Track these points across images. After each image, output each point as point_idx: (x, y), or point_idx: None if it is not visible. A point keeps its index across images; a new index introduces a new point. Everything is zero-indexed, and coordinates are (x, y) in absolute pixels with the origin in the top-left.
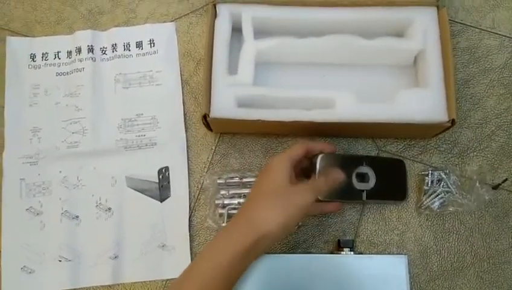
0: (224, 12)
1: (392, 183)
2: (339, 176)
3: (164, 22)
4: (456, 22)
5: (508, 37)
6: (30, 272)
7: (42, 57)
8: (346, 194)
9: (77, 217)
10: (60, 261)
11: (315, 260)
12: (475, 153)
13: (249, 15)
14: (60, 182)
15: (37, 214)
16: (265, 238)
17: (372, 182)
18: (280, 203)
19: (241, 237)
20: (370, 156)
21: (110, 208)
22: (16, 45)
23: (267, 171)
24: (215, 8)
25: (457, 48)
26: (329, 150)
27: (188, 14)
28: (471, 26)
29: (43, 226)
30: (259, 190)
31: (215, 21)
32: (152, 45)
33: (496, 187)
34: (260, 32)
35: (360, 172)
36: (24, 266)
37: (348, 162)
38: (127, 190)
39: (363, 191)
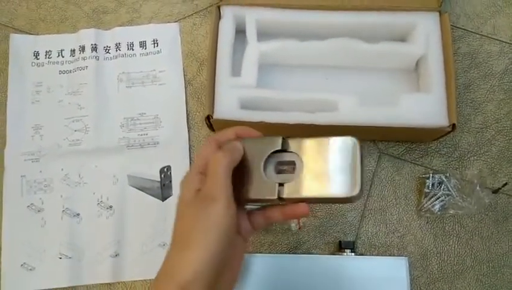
0: (229, 14)
1: (335, 174)
2: (216, 160)
3: (168, 22)
4: (458, 27)
5: (508, 43)
6: (30, 269)
7: (45, 55)
8: (257, 191)
9: (78, 214)
10: (60, 258)
11: (316, 261)
12: (475, 157)
13: (252, 17)
14: (62, 179)
15: (38, 211)
16: None
17: (298, 173)
18: (187, 239)
19: None
20: (299, 138)
21: (111, 206)
22: (19, 42)
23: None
24: (219, 9)
25: (458, 53)
26: (244, 134)
27: (192, 15)
28: (472, 32)
29: (43, 223)
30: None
31: (219, 23)
32: (155, 44)
33: (495, 191)
34: (264, 35)
35: (281, 160)
36: (24, 263)
37: (261, 147)
38: (128, 189)
39: (282, 186)
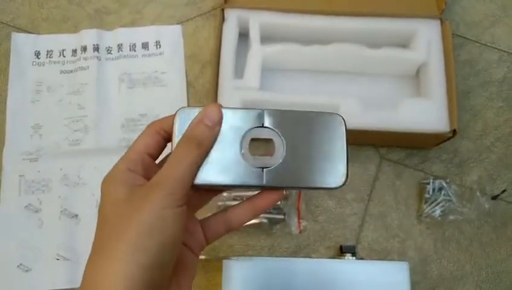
0: (232, 17)
1: (320, 159)
2: (202, 134)
3: (170, 24)
4: (457, 35)
5: (506, 52)
6: (26, 270)
7: (47, 55)
8: (233, 176)
9: (76, 215)
10: (57, 259)
11: (317, 265)
12: (475, 164)
13: (256, 21)
14: (60, 179)
15: (36, 211)
16: None
17: (279, 155)
18: (109, 246)
19: None
20: (278, 110)
21: None
22: (20, 41)
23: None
24: (223, 12)
25: (458, 60)
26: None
27: (195, 17)
28: (471, 40)
29: (41, 223)
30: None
31: (223, 25)
32: (158, 46)
33: (494, 197)
34: (267, 38)
35: (257, 137)
36: (20, 264)
37: (237, 121)
38: None
39: (261, 170)
